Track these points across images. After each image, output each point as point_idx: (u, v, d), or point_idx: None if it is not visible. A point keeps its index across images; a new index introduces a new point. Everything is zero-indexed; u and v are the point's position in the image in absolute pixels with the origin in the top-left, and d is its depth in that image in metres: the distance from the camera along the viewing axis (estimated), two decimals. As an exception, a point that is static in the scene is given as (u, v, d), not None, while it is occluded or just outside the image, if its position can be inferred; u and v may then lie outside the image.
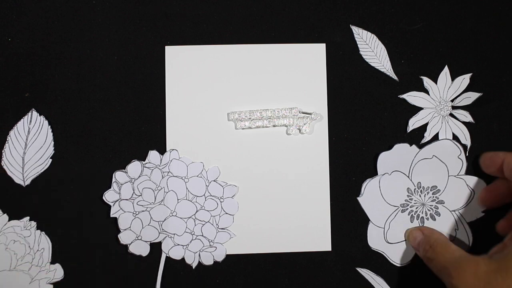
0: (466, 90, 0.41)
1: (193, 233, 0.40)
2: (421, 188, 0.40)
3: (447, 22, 0.42)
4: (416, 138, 0.41)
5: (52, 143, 0.40)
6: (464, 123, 0.41)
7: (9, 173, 0.40)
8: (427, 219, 0.40)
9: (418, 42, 0.41)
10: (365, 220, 0.41)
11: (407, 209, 0.40)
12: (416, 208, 0.40)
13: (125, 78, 0.41)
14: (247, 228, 0.40)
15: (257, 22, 0.41)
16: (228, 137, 0.41)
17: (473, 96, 0.41)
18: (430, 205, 0.40)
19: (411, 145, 0.40)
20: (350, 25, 0.41)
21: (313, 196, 0.40)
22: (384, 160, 0.40)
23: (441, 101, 0.41)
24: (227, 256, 0.40)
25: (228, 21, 0.41)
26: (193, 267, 0.40)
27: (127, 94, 0.41)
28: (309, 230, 0.40)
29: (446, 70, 0.41)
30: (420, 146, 0.40)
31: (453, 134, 0.41)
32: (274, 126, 0.41)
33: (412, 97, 0.41)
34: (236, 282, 0.40)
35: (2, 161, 0.40)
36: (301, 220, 0.40)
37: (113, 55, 0.41)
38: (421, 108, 0.41)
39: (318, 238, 0.40)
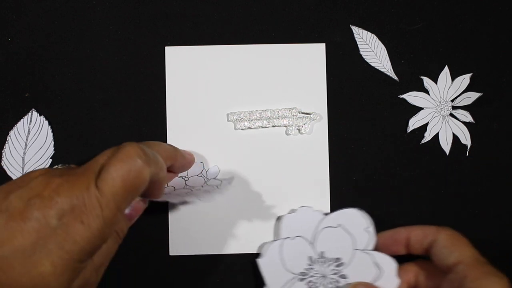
0: (466, 90, 0.41)
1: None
2: (323, 258, 0.37)
3: (447, 22, 0.42)
4: (416, 138, 0.41)
5: (52, 143, 0.40)
6: (464, 123, 0.41)
7: (9, 173, 0.40)
8: None
9: (418, 42, 0.41)
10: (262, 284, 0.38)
11: (305, 278, 0.37)
12: (316, 279, 0.37)
13: (125, 78, 0.41)
14: (247, 227, 0.40)
15: (257, 22, 0.41)
16: (228, 138, 0.41)
17: (473, 96, 0.41)
18: (332, 278, 0.37)
19: (316, 209, 0.38)
20: (350, 25, 0.41)
21: (313, 196, 0.40)
22: (289, 223, 0.38)
23: (441, 101, 0.41)
24: (227, 256, 0.40)
25: (228, 21, 0.41)
26: (193, 265, 0.40)
27: (127, 94, 0.41)
28: (309, 230, 0.40)
29: (446, 70, 0.41)
30: (326, 213, 0.38)
31: (453, 134, 0.41)
32: (273, 126, 0.40)
33: (412, 97, 0.41)
34: (236, 282, 0.40)
35: (2, 161, 0.40)
36: (301, 220, 0.40)
37: (113, 55, 0.41)
38: (421, 108, 0.41)
39: (318, 238, 0.40)
